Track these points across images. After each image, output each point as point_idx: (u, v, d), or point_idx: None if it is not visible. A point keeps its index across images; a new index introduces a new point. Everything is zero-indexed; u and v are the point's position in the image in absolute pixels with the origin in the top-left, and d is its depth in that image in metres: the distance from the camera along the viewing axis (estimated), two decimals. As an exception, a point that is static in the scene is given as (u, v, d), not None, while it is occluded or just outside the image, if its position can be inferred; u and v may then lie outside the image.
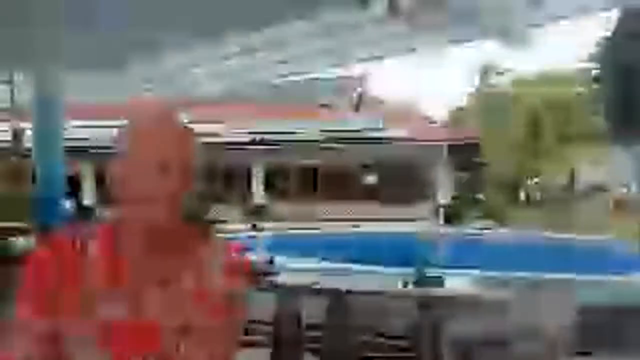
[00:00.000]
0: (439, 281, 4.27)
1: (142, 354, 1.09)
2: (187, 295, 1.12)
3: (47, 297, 1.09)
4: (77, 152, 18.08)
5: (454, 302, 3.85)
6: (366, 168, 23.84)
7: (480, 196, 24.38)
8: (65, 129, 7.62)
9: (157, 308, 1.11)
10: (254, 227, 20.25)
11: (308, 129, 21.07)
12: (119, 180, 1.11)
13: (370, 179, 23.62)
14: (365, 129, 21.15)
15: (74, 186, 17.77)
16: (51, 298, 1.09)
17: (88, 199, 22.65)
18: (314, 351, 3.46)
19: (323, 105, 24.32)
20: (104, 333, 1.08)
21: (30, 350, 1.06)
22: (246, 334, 1.19)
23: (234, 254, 1.20)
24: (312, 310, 3.88)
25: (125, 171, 1.10)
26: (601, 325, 3.18)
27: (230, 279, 1.16)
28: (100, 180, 23.20)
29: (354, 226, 18.54)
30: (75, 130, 16.75)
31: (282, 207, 22.29)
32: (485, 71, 36.58)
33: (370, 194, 23.20)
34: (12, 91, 7.21)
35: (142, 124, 1.14)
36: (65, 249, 1.13)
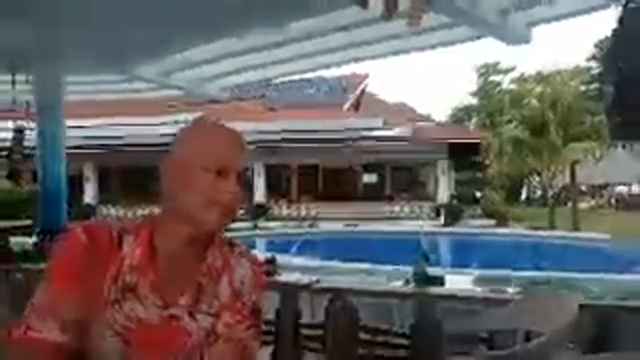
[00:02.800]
0: (439, 280, 4.28)
1: (166, 354, 1.09)
2: (218, 303, 1.14)
3: (77, 282, 1.08)
4: (80, 151, 18.12)
5: (454, 301, 3.85)
6: (366, 167, 23.80)
7: (481, 195, 24.35)
8: (67, 128, 7.64)
9: (187, 311, 1.11)
10: (255, 226, 20.27)
11: (309, 128, 21.04)
12: (172, 182, 1.11)
13: (370, 178, 23.60)
14: (365, 128, 21.12)
15: (75, 185, 17.79)
16: (80, 284, 1.07)
17: (90, 198, 22.65)
18: (315, 350, 3.47)
19: (324, 104, 24.32)
20: (130, 329, 1.07)
21: (58, 335, 1.05)
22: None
23: (258, 265, 1.24)
24: (312, 309, 3.88)
25: (181, 173, 1.10)
26: (601, 324, 3.18)
27: (257, 291, 1.20)
28: (101, 179, 23.23)
29: (354, 225, 18.56)
30: (78, 129, 16.77)
31: (282, 207, 22.30)
32: (487, 70, 36.50)
33: (371, 193, 23.17)
34: (13, 91, 7.22)
35: (201, 129, 1.15)
36: (101, 239, 1.11)
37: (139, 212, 17.06)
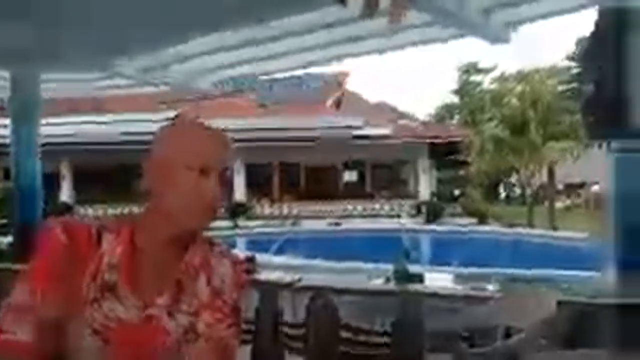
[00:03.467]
0: (420, 278, 4.30)
1: (145, 353, 1.08)
2: (197, 302, 1.13)
3: (57, 282, 1.06)
4: (56, 149, 17.85)
5: (435, 298, 3.87)
6: (347, 165, 23.84)
7: (462, 193, 24.56)
8: (43, 125, 7.51)
9: (166, 311, 1.10)
10: (235, 225, 20.19)
11: (290, 126, 21.02)
12: (155, 180, 1.10)
13: (351, 176, 23.65)
14: (347, 126, 21.16)
15: (52, 183, 17.53)
16: (60, 284, 1.06)
17: (66, 197, 22.33)
18: (296, 349, 3.46)
19: (305, 102, 24.29)
20: (109, 328, 1.06)
21: (35, 336, 1.03)
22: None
23: (238, 264, 1.24)
24: (294, 308, 3.87)
25: (163, 172, 1.09)
26: (579, 321, 3.22)
27: (237, 289, 1.20)
28: (78, 177, 22.90)
29: (335, 223, 18.60)
30: (54, 127, 16.51)
31: (263, 205, 22.24)
32: (468, 69, 36.84)
33: (352, 191, 23.22)
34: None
35: (184, 127, 1.15)
36: (80, 237, 1.10)
37: (118, 210, 16.84)
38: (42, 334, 1.04)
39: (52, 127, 14.88)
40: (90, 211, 20.74)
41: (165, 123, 1.18)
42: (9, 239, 6.70)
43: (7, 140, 7.25)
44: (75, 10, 5.40)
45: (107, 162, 20.82)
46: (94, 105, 18.43)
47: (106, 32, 6.05)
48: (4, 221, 8.30)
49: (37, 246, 1.10)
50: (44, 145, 7.45)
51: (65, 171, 22.63)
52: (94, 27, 5.86)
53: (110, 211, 18.31)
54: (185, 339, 1.10)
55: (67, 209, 19.92)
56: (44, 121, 7.61)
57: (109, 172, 21.44)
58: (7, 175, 7.66)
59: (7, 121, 7.30)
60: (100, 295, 1.07)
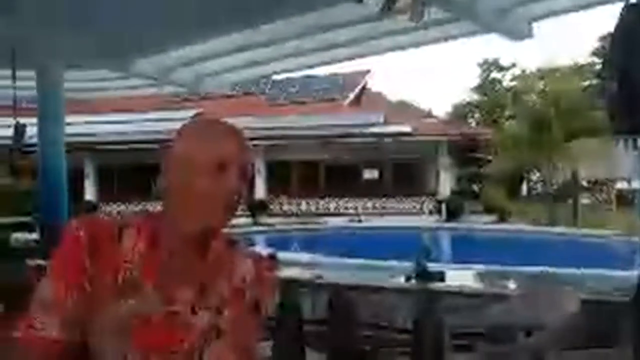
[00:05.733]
0: (440, 276, 4.29)
1: (167, 350, 1.08)
2: (219, 299, 1.13)
3: (79, 279, 1.07)
4: (80, 147, 18.15)
5: (456, 296, 3.86)
6: (367, 163, 23.78)
7: (482, 191, 24.31)
8: (68, 124, 7.63)
9: (189, 307, 1.10)
10: (255, 222, 20.29)
11: (310, 124, 21.04)
12: (174, 177, 1.11)
13: (372, 173, 23.59)
14: (367, 124, 21.10)
15: (76, 182, 17.80)
16: (81, 281, 1.07)
17: (90, 195, 22.66)
18: (317, 346, 3.47)
19: (325, 101, 24.31)
20: (132, 325, 1.06)
21: (59, 332, 1.04)
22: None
23: (260, 261, 1.23)
24: (314, 305, 3.89)
25: (182, 168, 1.10)
26: (602, 320, 3.19)
27: (259, 287, 1.19)
28: (101, 176, 23.23)
29: (355, 221, 18.58)
30: (79, 126, 16.78)
31: (283, 202, 22.30)
32: (488, 66, 36.47)
33: (372, 189, 23.17)
34: (14, 87, 7.20)
35: (203, 125, 1.16)
36: (101, 234, 1.10)
37: (139, 208, 17.05)
38: (66, 330, 1.05)
39: (75, 126, 15.12)
40: (113, 209, 21.05)
41: (185, 121, 1.17)
42: (35, 235, 6.83)
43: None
44: (94, 11, 5.48)
45: (130, 160, 21.08)
46: (106, 106, 18.67)
47: (124, 33, 6.13)
48: (31, 218, 8.41)
49: (58, 242, 1.10)
50: (67, 143, 7.57)
51: (89, 170, 22.97)
52: (111, 28, 5.94)
53: (133, 209, 18.53)
54: (207, 336, 1.10)
55: (92, 207, 20.22)
56: (67, 120, 7.73)
57: (132, 170, 21.70)
58: (36, 174, 7.74)
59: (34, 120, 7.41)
60: (122, 292, 1.07)
